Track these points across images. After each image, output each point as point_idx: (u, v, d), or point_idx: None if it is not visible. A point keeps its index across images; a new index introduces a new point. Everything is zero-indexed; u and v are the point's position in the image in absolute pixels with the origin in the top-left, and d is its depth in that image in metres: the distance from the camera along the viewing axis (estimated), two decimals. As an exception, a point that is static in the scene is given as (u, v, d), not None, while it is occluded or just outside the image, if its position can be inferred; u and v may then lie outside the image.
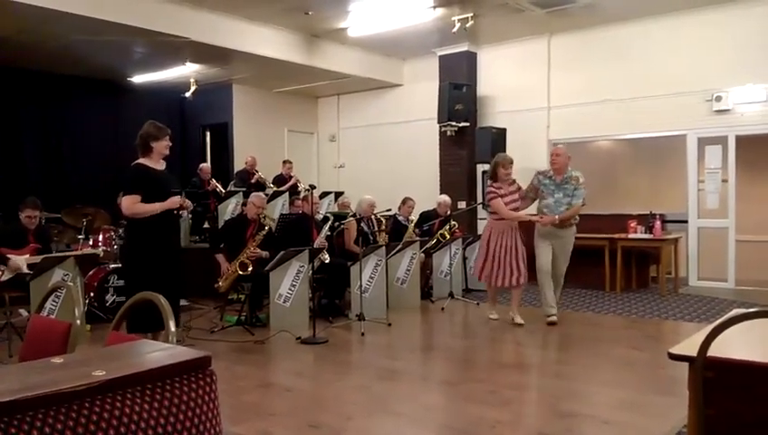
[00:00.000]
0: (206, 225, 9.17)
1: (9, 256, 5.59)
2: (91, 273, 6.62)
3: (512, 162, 6.33)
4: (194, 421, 1.15)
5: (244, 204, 7.45)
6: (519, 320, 6.23)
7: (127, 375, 1.10)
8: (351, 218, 7.38)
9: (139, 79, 10.58)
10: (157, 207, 4.42)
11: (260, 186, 9.85)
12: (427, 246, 7.86)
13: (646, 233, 8.15)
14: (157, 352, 1.30)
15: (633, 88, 9.01)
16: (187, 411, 1.15)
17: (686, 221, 8.82)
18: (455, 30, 8.70)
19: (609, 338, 5.69)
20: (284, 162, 10.66)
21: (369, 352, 5.54)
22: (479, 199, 10.38)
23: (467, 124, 10.03)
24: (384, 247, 6.92)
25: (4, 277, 5.56)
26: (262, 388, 4.38)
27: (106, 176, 9.80)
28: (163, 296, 1.82)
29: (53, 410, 0.99)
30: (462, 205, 9.90)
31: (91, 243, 6.99)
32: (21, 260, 5.62)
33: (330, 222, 7.14)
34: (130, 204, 4.40)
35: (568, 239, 6.27)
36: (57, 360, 1.21)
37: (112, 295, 6.66)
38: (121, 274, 6.42)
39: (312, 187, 6.48)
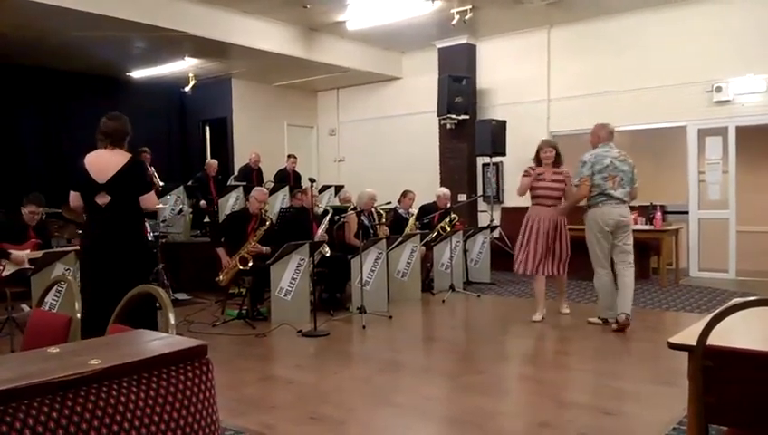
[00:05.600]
0: (206, 219, 9.18)
1: (11, 250, 5.60)
2: (91, 268, 6.62)
3: (551, 145, 5.98)
4: (190, 410, 1.15)
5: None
6: (565, 310, 6.29)
7: (122, 364, 1.10)
8: (352, 212, 7.38)
9: (138, 74, 10.56)
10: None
11: (260, 182, 9.86)
12: (428, 238, 7.85)
13: (646, 224, 8.13)
14: (153, 342, 1.30)
15: (633, 79, 8.99)
16: (183, 400, 1.15)
17: (686, 212, 8.82)
18: (454, 22, 8.68)
19: (610, 329, 5.68)
20: (289, 156, 10.65)
21: (371, 344, 5.54)
22: (479, 192, 10.38)
23: (467, 117, 10.01)
24: (384, 240, 6.92)
25: (7, 272, 5.57)
26: (263, 381, 4.39)
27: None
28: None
29: (49, 398, 0.99)
30: (462, 198, 9.89)
31: (91, 238, 6.97)
32: (23, 255, 5.63)
33: (329, 215, 7.14)
34: (156, 199, 4.43)
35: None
36: (53, 349, 1.21)
37: (113, 290, 6.66)
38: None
39: (312, 180, 6.48)
